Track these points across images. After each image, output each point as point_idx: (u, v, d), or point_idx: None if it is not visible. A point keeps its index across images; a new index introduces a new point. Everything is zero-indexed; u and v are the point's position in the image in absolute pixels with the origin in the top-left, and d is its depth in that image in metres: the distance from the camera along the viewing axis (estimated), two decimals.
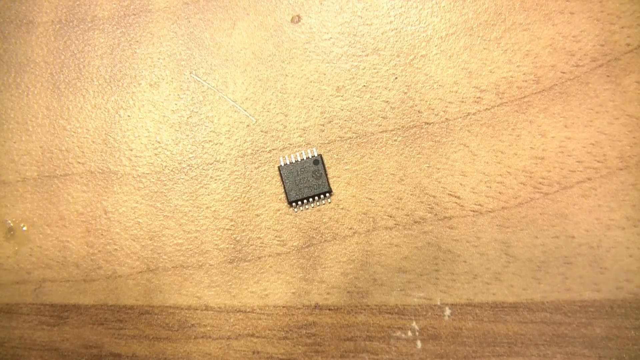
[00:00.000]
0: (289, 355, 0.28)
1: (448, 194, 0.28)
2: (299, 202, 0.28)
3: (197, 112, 0.29)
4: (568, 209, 0.27)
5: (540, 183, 0.28)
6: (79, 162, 0.29)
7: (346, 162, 0.29)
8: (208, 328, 0.28)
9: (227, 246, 0.28)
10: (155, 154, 0.29)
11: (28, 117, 0.30)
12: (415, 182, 0.28)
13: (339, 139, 0.29)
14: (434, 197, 0.28)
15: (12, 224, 0.29)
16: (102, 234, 0.29)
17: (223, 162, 0.29)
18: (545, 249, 0.27)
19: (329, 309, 0.28)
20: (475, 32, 0.29)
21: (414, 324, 0.27)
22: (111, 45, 0.30)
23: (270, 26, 0.30)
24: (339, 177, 0.29)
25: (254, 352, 0.28)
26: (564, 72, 0.28)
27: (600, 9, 0.28)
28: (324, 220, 0.28)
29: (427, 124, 0.28)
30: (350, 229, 0.28)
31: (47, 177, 0.29)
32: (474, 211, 0.28)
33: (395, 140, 0.28)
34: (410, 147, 0.28)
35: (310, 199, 0.28)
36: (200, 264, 0.28)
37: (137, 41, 0.30)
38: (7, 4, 0.31)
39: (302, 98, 0.29)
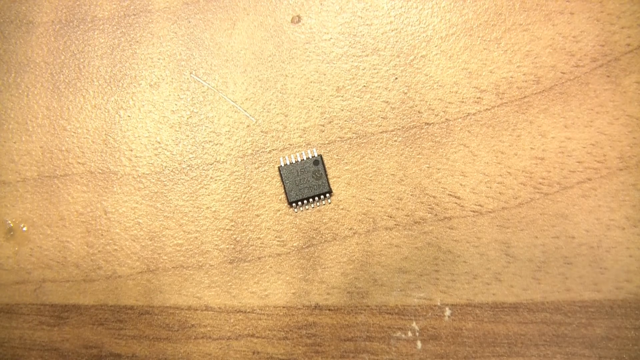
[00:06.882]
0: (289, 355, 0.28)
1: (448, 195, 0.28)
2: (299, 203, 0.28)
3: (197, 112, 0.29)
4: (568, 209, 0.27)
5: (540, 183, 0.28)
6: (79, 162, 0.29)
7: (346, 163, 0.29)
8: (208, 328, 0.28)
9: (227, 246, 0.28)
10: (155, 154, 0.29)
11: (28, 117, 0.30)
12: (416, 182, 0.28)
13: (339, 139, 0.29)
14: (434, 197, 0.28)
15: (12, 224, 0.29)
16: (102, 234, 0.29)
17: (223, 162, 0.29)
18: (545, 249, 0.27)
19: (329, 309, 0.28)
20: (475, 33, 0.29)
21: (414, 324, 0.27)
22: (111, 45, 0.30)
23: (270, 26, 0.30)
24: (339, 178, 0.29)
25: (254, 353, 0.28)
26: (564, 73, 0.28)
27: (600, 9, 0.28)
28: (324, 221, 0.28)
29: (427, 124, 0.28)
30: (351, 229, 0.28)
31: (47, 177, 0.29)
32: (474, 211, 0.28)
33: (395, 141, 0.28)
34: (411, 148, 0.28)
35: (311, 200, 0.28)
36: (200, 264, 0.28)
37: (137, 41, 0.30)
38: (7, 4, 0.31)
39: (302, 98, 0.29)
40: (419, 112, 0.29)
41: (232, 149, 0.29)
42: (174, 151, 0.29)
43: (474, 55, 0.29)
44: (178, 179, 0.29)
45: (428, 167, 0.28)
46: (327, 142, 0.29)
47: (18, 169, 0.29)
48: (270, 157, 0.29)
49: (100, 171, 0.29)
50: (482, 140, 0.28)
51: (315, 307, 0.28)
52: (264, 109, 0.29)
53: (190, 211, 0.29)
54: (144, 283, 0.28)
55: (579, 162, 0.28)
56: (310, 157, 0.28)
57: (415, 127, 0.28)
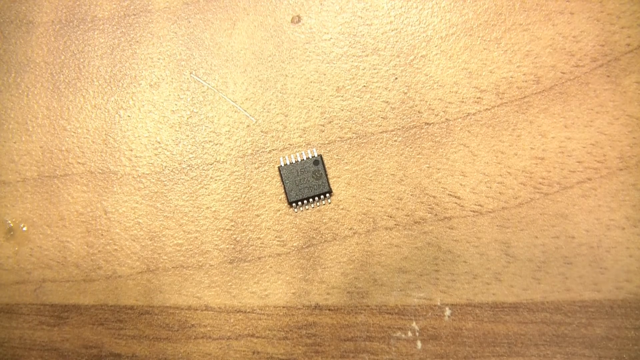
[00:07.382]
0: (289, 355, 0.28)
1: (448, 194, 0.28)
2: (299, 203, 0.28)
3: (197, 112, 0.29)
4: (568, 209, 0.27)
5: (540, 183, 0.28)
6: (79, 162, 0.29)
7: (346, 163, 0.29)
8: (208, 328, 0.28)
9: (227, 246, 0.28)
10: (155, 154, 0.29)
11: (28, 117, 0.30)
12: (416, 182, 0.28)
13: (339, 139, 0.29)
14: (434, 197, 0.28)
15: (12, 224, 0.29)
16: (102, 234, 0.29)
17: (223, 162, 0.29)
18: (545, 249, 0.27)
19: (329, 309, 0.28)
20: (475, 33, 0.29)
21: (414, 324, 0.27)
22: (111, 45, 0.30)
23: (270, 26, 0.30)
24: (339, 178, 0.29)
25: (254, 352, 0.28)
26: (564, 73, 0.28)
27: (600, 9, 0.28)
28: (324, 221, 0.28)
29: (427, 124, 0.28)
30: (351, 229, 0.28)
31: (47, 177, 0.29)
32: (474, 211, 0.28)
33: (395, 141, 0.28)
34: (411, 148, 0.28)
35: (311, 200, 0.28)
36: (200, 264, 0.28)
37: (137, 41, 0.30)
38: (7, 4, 0.31)
39: (302, 98, 0.29)
40: (419, 112, 0.29)
41: (232, 149, 0.29)
42: (174, 151, 0.29)
43: (474, 55, 0.29)
44: (178, 179, 0.29)
45: (428, 167, 0.28)
46: (327, 142, 0.29)
47: (18, 169, 0.29)
48: (270, 157, 0.29)
49: (100, 171, 0.29)
50: (482, 140, 0.28)
51: (315, 307, 0.28)
52: (264, 109, 0.29)
53: (190, 211, 0.29)
54: (144, 283, 0.28)
55: (579, 162, 0.28)
56: (310, 157, 0.28)
57: (415, 127, 0.28)
